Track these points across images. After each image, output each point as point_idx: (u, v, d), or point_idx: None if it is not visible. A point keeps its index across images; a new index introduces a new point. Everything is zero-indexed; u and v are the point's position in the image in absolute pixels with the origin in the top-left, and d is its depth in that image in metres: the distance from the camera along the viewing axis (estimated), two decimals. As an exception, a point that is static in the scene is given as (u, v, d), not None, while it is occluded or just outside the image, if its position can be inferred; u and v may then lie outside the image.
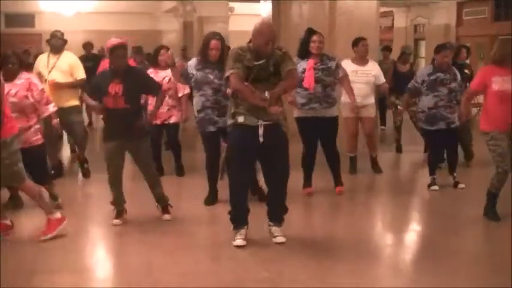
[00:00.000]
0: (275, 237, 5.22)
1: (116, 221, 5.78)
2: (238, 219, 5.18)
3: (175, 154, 7.99)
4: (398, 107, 7.58)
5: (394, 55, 11.94)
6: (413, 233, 6.01)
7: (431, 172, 7.23)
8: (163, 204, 5.98)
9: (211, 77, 6.19)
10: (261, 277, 4.53)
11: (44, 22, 20.95)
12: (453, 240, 5.46)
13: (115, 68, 5.60)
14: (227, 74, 4.97)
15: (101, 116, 6.00)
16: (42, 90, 6.13)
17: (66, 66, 7.54)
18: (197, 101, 6.28)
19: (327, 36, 7.93)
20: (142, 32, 20.79)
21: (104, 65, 8.49)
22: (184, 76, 6.37)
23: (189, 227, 5.84)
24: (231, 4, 18.73)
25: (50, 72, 7.40)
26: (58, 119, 6.45)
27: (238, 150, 5.07)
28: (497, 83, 5.70)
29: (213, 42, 6.17)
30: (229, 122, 5.13)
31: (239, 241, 5.10)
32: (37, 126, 6.17)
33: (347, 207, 6.78)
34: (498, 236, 5.61)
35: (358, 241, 5.42)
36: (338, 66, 6.81)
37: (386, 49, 11.81)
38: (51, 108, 6.18)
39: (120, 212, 5.82)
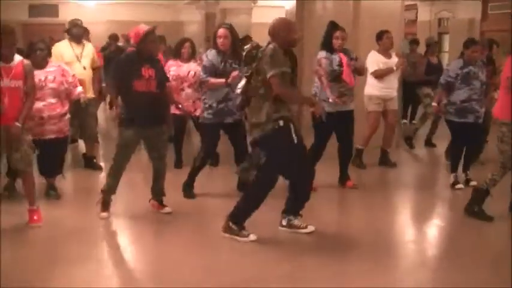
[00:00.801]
0: (305, 227, 5.21)
1: (104, 214, 5.67)
2: (250, 215, 5.14)
3: (179, 147, 7.94)
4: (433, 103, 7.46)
5: (420, 49, 11.89)
6: (431, 229, 5.94)
7: (453, 169, 7.08)
8: (161, 198, 5.90)
9: (237, 66, 6.15)
10: (281, 273, 4.48)
11: (67, 12, 21.00)
12: (474, 237, 5.43)
13: (147, 53, 5.53)
14: (271, 73, 4.77)
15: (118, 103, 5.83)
16: (74, 75, 6.33)
17: (91, 55, 7.64)
18: (219, 92, 6.18)
19: (351, 30, 7.87)
20: (164, 23, 20.61)
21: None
22: (207, 72, 6.23)
23: (201, 220, 5.82)
24: (254, -5, 18.64)
25: (80, 60, 7.40)
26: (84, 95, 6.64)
27: (297, 149, 4.96)
28: None
29: (220, 31, 6.18)
30: (268, 127, 4.89)
31: (252, 236, 5.08)
32: (68, 115, 6.27)
33: (360, 202, 6.70)
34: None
35: (376, 238, 5.38)
36: (357, 58, 6.86)
37: (414, 42, 11.82)
38: (79, 89, 6.41)
39: (106, 204, 5.71)
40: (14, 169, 5.68)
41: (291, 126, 4.89)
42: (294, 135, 4.89)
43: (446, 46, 19.52)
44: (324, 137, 6.70)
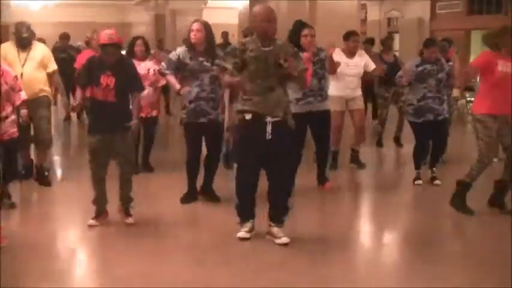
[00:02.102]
0: (279, 238, 4.99)
1: (92, 222, 5.41)
2: (245, 212, 5.05)
3: (147, 149, 7.70)
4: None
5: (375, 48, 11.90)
6: (404, 232, 5.86)
7: (417, 166, 7.14)
8: (128, 205, 5.62)
9: (208, 64, 5.92)
10: (264, 280, 4.32)
11: (11, 15, 20.45)
12: (456, 237, 5.47)
13: (107, 60, 5.31)
14: (223, 64, 4.98)
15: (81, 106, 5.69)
16: (16, 77, 5.86)
17: (39, 58, 7.02)
18: (190, 91, 5.95)
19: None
20: (111, 25, 20.21)
21: (84, 55, 8.09)
22: (170, 67, 6.03)
23: (173, 228, 5.59)
24: (205, -3, 18.51)
25: (23, 65, 6.95)
26: (27, 110, 6.00)
27: (245, 147, 4.92)
28: (502, 66, 5.67)
29: (194, 24, 5.98)
30: (236, 118, 4.98)
31: (242, 233, 5.00)
32: (13, 117, 5.88)
33: (334, 205, 6.58)
34: (489, 232, 5.52)
35: (356, 240, 5.36)
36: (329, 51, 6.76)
37: (369, 41, 11.71)
38: (23, 95, 5.90)
39: (99, 213, 5.49)
40: None
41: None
42: (250, 133, 4.88)
43: (396, 45, 19.71)
44: (299, 140, 6.40)
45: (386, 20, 20.37)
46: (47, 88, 7.09)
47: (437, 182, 7.01)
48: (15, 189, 6.33)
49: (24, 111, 5.94)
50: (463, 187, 5.86)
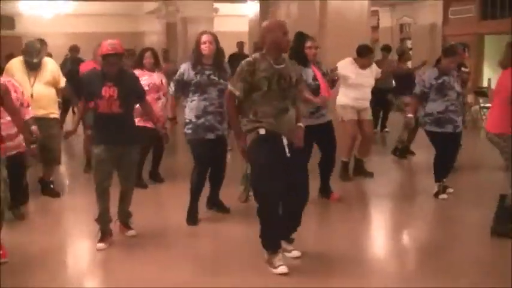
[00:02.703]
0: (289, 251, 4.85)
1: (100, 245, 5.24)
2: (275, 238, 4.67)
3: (158, 160, 7.70)
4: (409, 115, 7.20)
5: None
6: (416, 242, 5.78)
7: (438, 178, 6.87)
8: (127, 220, 5.57)
9: (215, 78, 5.79)
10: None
11: (24, 24, 20.55)
12: (460, 251, 5.32)
13: (108, 72, 5.21)
14: (230, 90, 4.72)
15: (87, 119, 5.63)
16: (23, 92, 5.89)
17: (49, 76, 6.95)
18: (197, 105, 5.78)
19: (316, 36, 7.71)
20: (124, 34, 20.36)
21: (85, 67, 8.07)
22: (179, 89, 5.97)
23: (179, 238, 5.58)
24: (216, 5, 18.46)
25: (32, 85, 6.75)
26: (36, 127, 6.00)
27: (269, 162, 4.52)
28: None
29: (204, 36, 5.80)
30: (248, 138, 4.65)
31: (282, 268, 4.55)
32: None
33: (341, 215, 6.48)
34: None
35: (358, 253, 5.24)
36: (331, 70, 6.78)
37: (386, 49, 11.63)
38: (31, 111, 5.90)
39: (104, 233, 5.32)
40: None
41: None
42: (271, 148, 4.59)
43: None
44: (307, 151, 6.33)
45: (399, 26, 20.24)
46: (55, 110, 7.06)
47: (449, 190, 6.89)
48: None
49: (34, 128, 5.91)
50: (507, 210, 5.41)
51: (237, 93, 4.62)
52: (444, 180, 6.92)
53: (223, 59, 6.03)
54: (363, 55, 7.59)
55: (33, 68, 6.83)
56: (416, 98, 6.90)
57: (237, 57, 10.60)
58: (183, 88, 5.91)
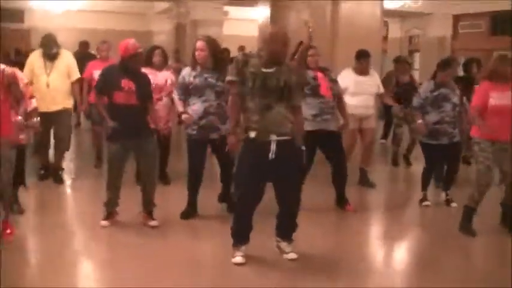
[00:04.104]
0: (286, 253, 4.97)
1: (104, 223, 5.65)
2: (241, 235, 4.94)
3: (165, 160, 7.68)
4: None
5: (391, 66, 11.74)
6: (410, 251, 5.82)
7: (423, 187, 7.06)
8: (150, 209, 5.76)
9: (213, 80, 5.93)
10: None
11: (33, 19, 20.56)
12: (458, 259, 5.36)
13: (131, 69, 5.56)
14: (229, 78, 4.86)
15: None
16: (27, 84, 5.89)
17: (64, 68, 7.38)
18: (198, 107, 5.98)
19: (328, 44, 7.74)
20: (133, 33, 20.35)
21: (94, 66, 8.18)
22: (182, 92, 6.10)
23: (184, 240, 5.59)
24: (226, 8, 18.48)
25: (49, 75, 7.18)
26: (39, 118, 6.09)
27: (248, 167, 4.74)
28: (495, 99, 5.63)
29: (198, 43, 5.98)
30: (242, 136, 4.85)
31: (239, 258, 4.87)
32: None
33: (347, 224, 6.50)
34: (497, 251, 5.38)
35: (361, 262, 5.22)
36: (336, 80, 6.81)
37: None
38: (34, 103, 5.89)
39: (110, 214, 5.69)
40: None
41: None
42: (254, 152, 4.75)
43: (417, 64, 19.57)
44: (309, 159, 6.34)
45: (408, 38, 20.24)
46: (69, 101, 7.45)
47: (453, 204, 6.90)
48: (25, 195, 6.39)
49: (36, 120, 5.92)
50: (468, 211, 5.81)
51: (234, 78, 4.80)
52: (448, 192, 7.02)
53: (225, 62, 6.10)
54: (358, 57, 7.65)
55: (51, 58, 7.25)
56: (415, 111, 6.99)
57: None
58: (185, 91, 6.07)
